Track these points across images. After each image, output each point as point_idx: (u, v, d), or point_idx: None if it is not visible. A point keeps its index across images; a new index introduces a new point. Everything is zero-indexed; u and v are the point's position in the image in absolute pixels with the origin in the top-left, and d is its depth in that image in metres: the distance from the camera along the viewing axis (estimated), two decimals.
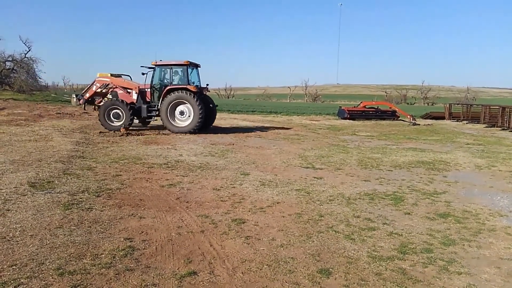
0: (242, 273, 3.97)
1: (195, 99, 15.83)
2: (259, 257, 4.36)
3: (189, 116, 16.06)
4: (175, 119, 16.33)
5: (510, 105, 26.92)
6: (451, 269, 4.22)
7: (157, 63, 16.66)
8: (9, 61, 45.07)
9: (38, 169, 8.01)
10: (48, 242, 4.47)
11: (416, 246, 4.82)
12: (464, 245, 4.92)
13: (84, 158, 9.60)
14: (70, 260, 4.04)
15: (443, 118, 30.38)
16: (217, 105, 18.30)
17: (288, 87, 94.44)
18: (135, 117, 16.84)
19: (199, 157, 10.46)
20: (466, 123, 26.84)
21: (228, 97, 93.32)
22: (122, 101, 16.52)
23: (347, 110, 28.69)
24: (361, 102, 31.64)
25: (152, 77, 16.64)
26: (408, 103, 69.34)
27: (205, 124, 16.78)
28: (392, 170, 9.56)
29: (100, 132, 14.99)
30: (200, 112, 15.83)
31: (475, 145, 15.18)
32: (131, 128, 16.41)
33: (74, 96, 18.78)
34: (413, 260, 4.40)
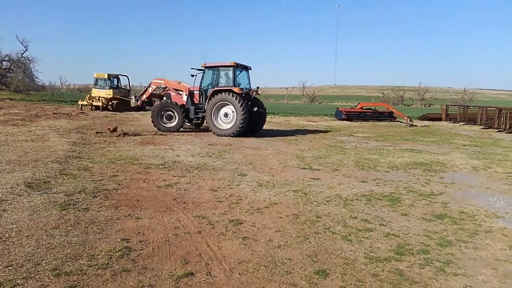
0: (239, 274, 3.97)
1: (239, 101, 15.39)
2: (256, 258, 4.35)
3: (232, 118, 15.69)
4: (219, 121, 16.06)
5: (507, 106, 27.03)
6: (448, 270, 4.23)
7: (206, 65, 16.60)
8: (5, 60, 44.99)
9: (35, 169, 7.98)
10: (44, 242, 4.45)
11: (413, 247, 4.83)
12: (460, 246, 4.93)
13: (80, 158, 9.57)
14: (67, 261, 4.02)
15: (440, 119, 30.48)
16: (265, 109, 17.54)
17: (286, 88, 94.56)
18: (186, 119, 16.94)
19: (196, 157, 10.45)
20: (463, 124, 26.94)
21: None
22: (176, 103, 16.76)
23: (345, 111, 28.75)
24: (358, 103, 31.73)
25: (202, 78, 16.71)
26: (405, 105, 69.57)
27: (251, 128, 16.40)
28: (389, 171, 9.58)
29: (97, 132, 14.94)
30: (243, 115, 15.37)
31: (471, 146, 15.24)
32: (182, 130, 16.83)
33: (133, 97, 19.09)
34: (410, 261, 4.41)
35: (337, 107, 32.84)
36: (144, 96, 18.29)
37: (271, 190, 7.33)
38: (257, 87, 17.49)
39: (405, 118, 26.37)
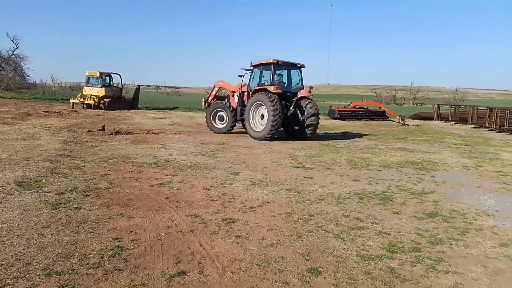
0: (232, 272, 3.96)
1: (271, 101, 14.13)
2: (249, 256, 4.35)
3: (267, 121, 14.54)
4: (256, 123, 15.19)
5: (497, 106, 27.31)
6: (439, 268, 4.27)
7: (252, 64, 16.01)
8: None
9: (26, 168, 7.90)
10: (35, 242, 4.41)
11: (404, 245, 4.86)
12: (451, 244, 4.98)
13: (72, 157, 9.49)
14: (58, 260, 3.98)
15: (431, 118, 30.71)
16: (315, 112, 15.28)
17: None
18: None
19: (189, 156, 10.42)
20: (454, 123, 27.17)
21: None
22: (228, 104, 16.57)
23: (337, 110, 28.87)
24: (351, 102, 31.86)
25: (251, 78, 16.07)
26: (397, 104, 69.99)
27: (296, 132, 15.44)
28: (381, 170, 9.63)
29: (89, 131, 14.83)
30: (274, 116, 14.05)
31: (462, 145, 15.38)
32: (233, 131, 16.70)
33: (202, 100, 18.74)
34: (401, 259, 4.44)
35: (330, 106, 32.97)
36: (210, 98, 17.93)
37: (264, 188, 7.33)
38: (310, 87, 15.86)
39: (397, 117, 26.55)
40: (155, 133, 15.18)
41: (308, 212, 5.99)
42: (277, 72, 15.70)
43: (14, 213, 5.28)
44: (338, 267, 4.18)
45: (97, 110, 25.85)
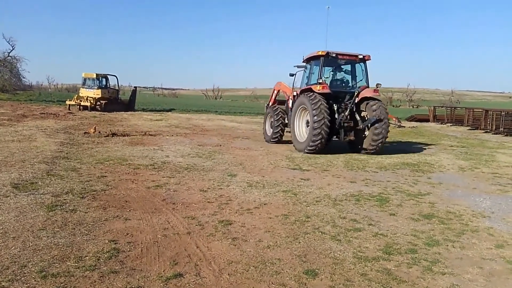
0: (229, 274, 3.96)
1: (313, 104, 11.34)
2: (246, 258, 4.35)
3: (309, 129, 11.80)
4: (302, 131, 12.54)
5: (493, 108, 27.46)
6: (435, 269, 4.28)
7: (304, 58, 13.35)
8: None
9: (21, 170, 7.86)
10: (31, 244, 4.39)
11: (400, 246, 4.88)
12: (447, 245, 4.99)
13: (68, 159, 9.46)
14: (54, 263, 3.97)
15: (427, 120, 30.80)
16: (379, 119, 11.65)
17: None
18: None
19: (186, 158, 10.40)
20: (450, 125, 27.27)
21: (215, 98, 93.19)
22: (277, 108, 14.29)
23: None
24: None
25: (307, 77, 13.14)
26: (393, 106, 70.13)
27: (355, 142, 12.35)
28: (377, 172, 9.66)
29: (85, 132, 14.78)
30: (316, 122, 11.21)
31: (458, 147, 15.44)
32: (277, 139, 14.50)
33: (265, 106, 16.83)
34: (397, 261, 4.45)
35: None
36: (270, 103, 15.62)
37: (261, 190, 7.33)
38: (378, 84, 12.38)
39: (394, 119, 26.62)
40: (151, 135, 15.14)
41: (305, 214, 6.00)
42: (329, 67, 12.91)
43: (9, 215, 5.25)
44: (335, 268, 4.18)
45: (93, 112, 25.78)
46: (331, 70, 13.11)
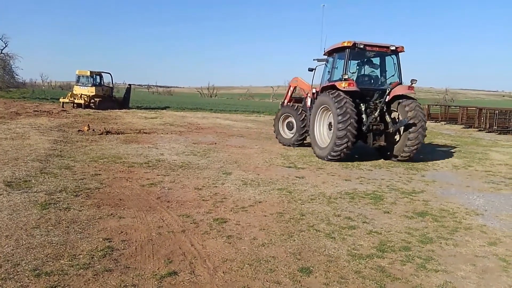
0: (223, 272, 3.96)
1: (336, 103, 9.94)
2: (241, 256, 4.35)
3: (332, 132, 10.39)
4: (323, 135, 11.09)
5: (487, 106, 27.63)
6: (429, 266, 4.31)
7: (326, 50, 11.83)
8: None
9: (15, 168, 7.80)
10: (24, 242, 4.36)
11: (394, 244, 4.90)
12: (441, 243, 5.03)
13: (62, 157, 9.40)
14: (47, 261, 3.95)
15: None
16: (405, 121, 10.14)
17: (271, 87, 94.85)
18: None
19: (180, 156, 10.38)
20: (444, 124, 27.42)
21: (210, 96, 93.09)
22: (298, 108, 12.88)
23: None
24: None
25: (329, 72, 11.53)
26: None
27: (385, 148, 10.81)
28: (372, 170, 9.69)
29: (79, 130, 14.70)
30: (341, 126, 9.77)
31: (452, 145, 15.53)
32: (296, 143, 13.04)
33: (280, 104, 16.91)
34: (391, 258, 4.47)
35: None
36: (286, 101, 14.17)
37: (256, 188, 7.34)
38: (413, 80, 10.56)
39: None
40: (146, 133, 15.08)
41: (300, 212, 6.01)
42: (356, 60, 11.44)
43: (2, 213, 5.21)
44: (329, 266, 4.19)
45: (87, 110, 25.63)
46: (358, 64, 11.59)
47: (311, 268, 4.13)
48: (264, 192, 7.11)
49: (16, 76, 47.54)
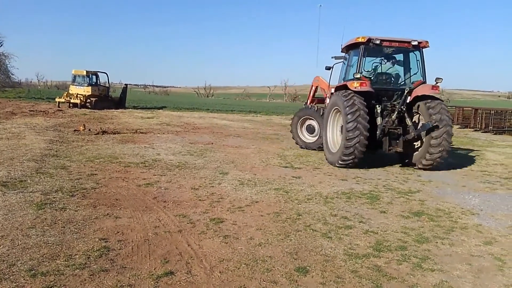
0: (220, 272, 3.96)
1: (346, 105, 9.14)
2: (237, 256, 4.35)
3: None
4: (336, 138, 10.33)
5: (483, 106, 27.76)
6: (425, 266, 4.32)
7: (343, 47, 11.07)
8: None
9: (10, 168, 7.76)
10: (20, 242, 4.34)
11: (391, 243, 4.92)
12: (437, 242, 5.05)
13: (58, 156, 9.36)
14: (43, 261, 3.93)
15: None
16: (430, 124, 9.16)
17: (268, 87, 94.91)
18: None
19: (177, 156, 10.36)
20: None
21: (207, 96, 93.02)
22: (319, 109, 11.99)
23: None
24: None
25: (345, 71, 10.86)
26: None
27: (404, 154, 9.95)
28: (368, 170, 9.71)
29: (75, 130, 14.65)
30: (349, 128, 9.01)
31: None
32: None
33: (304, 104, 15.80)
34: (388, 258, 4.49)
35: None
36: (308, 102, 13.40)
37: (253, 188, 7.34)
38: (438, 79, 9.48)
39: None
40: (142, 133, 15.04)
41: (297, 212, 6.01)
42: (372, 57, 10.49)
43: None
44: (326, 266, 4.20)
45: (83, 110, 25.54)
46: (374, 61, 10.60)
47: (308, 267, 4.14)
48: (261, 192, 7.12)
49: (11, 76, 47.27)
